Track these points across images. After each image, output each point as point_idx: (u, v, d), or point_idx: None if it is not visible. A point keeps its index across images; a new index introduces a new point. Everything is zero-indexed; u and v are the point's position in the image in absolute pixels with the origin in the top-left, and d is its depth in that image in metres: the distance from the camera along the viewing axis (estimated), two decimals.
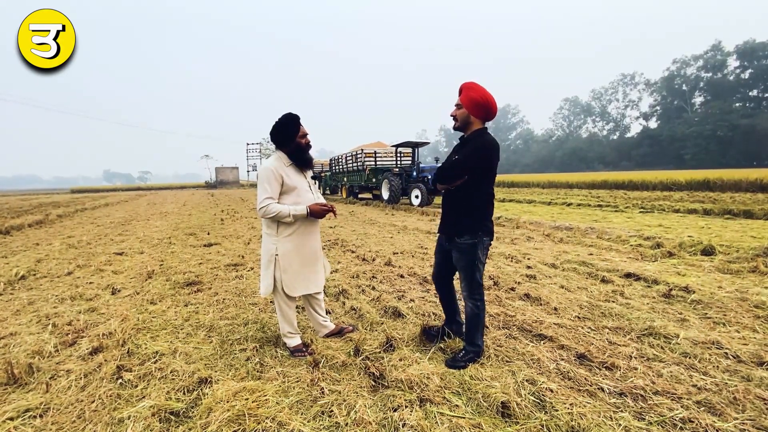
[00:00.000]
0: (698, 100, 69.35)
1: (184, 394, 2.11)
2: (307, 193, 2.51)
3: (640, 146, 71.05)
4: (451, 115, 2.37)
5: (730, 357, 2.40)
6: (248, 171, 58.81)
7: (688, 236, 6.15)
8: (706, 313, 3.11)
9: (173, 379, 2.25)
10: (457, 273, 2.52)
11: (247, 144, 58.57)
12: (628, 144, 75.02)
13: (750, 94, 63.70)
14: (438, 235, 2.61)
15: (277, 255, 2.44)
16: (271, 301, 3.67)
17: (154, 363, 2.45)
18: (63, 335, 2.92)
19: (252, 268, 5.00)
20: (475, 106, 2.26)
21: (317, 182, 2.65)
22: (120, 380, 2.23)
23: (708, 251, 5.06)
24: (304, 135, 2.49)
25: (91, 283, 4.46)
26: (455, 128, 2.39)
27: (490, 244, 2.42)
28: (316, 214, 2.45)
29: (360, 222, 9.73)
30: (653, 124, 74.92)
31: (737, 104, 62.64)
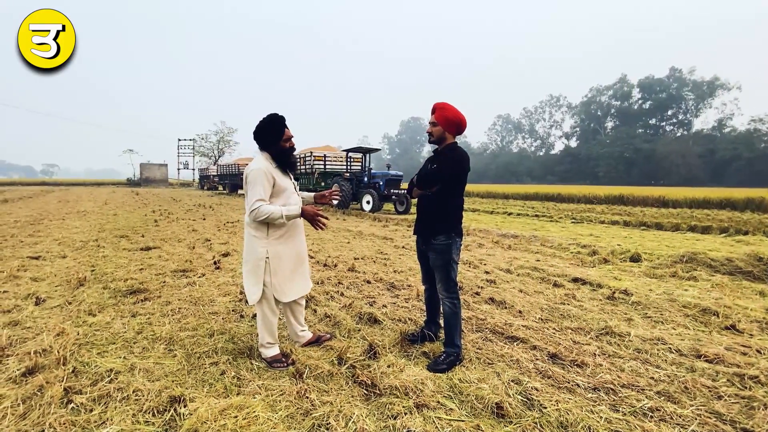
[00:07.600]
0: (609, 124, 78.89)
1: (154, 416, 1.87)
2: (293, 195, 2.41)
3: (562, 163, 78.71)
4: (427, 132, 2.56)
5: (674, 351, 2.72)
6: (179, 169, 54.39)
7: (617, 245, 6.90)
8: (646, 313, 3.50)
9: (137, 399, 1.99)
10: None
11: (179, 140, 54.20)
12: (553, 160, 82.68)
13: (650, 122, 74.05)
14: (415, 238, 2.73)
15: (267, 258, 2.29)
16: (233, 310, 3.42)
17: (110, 383, 2.15)
18: None
19: (204, 275, 4.62)
20: (449, 124, 2.47)
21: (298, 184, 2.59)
22: (71, 405, 1.92)
23: (635, 258, 5.71)
24: (289, 138, 2.38)
25: (5, 292, 3.80)
26: (430, 142, 2.58)
27: (461, 245, 2.62)
28: (308, 215, 2.34)
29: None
30: (573, 143, 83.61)
31: (640, 130, 72.41)
